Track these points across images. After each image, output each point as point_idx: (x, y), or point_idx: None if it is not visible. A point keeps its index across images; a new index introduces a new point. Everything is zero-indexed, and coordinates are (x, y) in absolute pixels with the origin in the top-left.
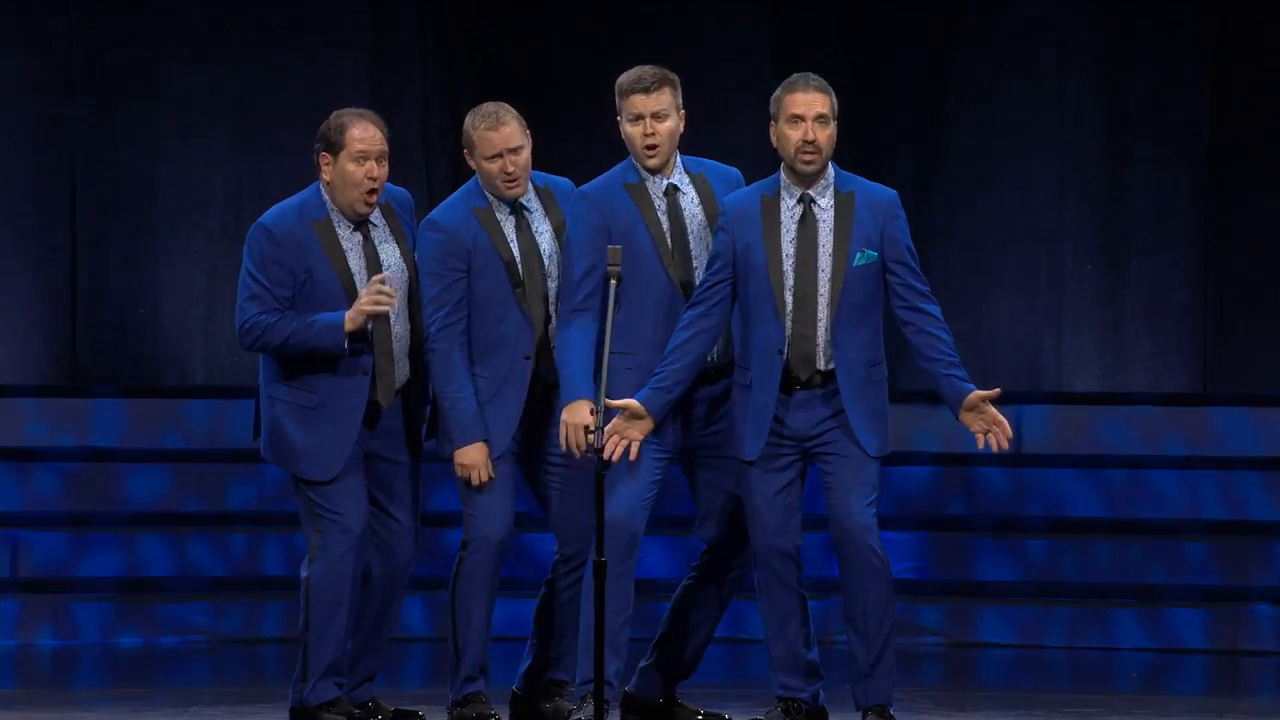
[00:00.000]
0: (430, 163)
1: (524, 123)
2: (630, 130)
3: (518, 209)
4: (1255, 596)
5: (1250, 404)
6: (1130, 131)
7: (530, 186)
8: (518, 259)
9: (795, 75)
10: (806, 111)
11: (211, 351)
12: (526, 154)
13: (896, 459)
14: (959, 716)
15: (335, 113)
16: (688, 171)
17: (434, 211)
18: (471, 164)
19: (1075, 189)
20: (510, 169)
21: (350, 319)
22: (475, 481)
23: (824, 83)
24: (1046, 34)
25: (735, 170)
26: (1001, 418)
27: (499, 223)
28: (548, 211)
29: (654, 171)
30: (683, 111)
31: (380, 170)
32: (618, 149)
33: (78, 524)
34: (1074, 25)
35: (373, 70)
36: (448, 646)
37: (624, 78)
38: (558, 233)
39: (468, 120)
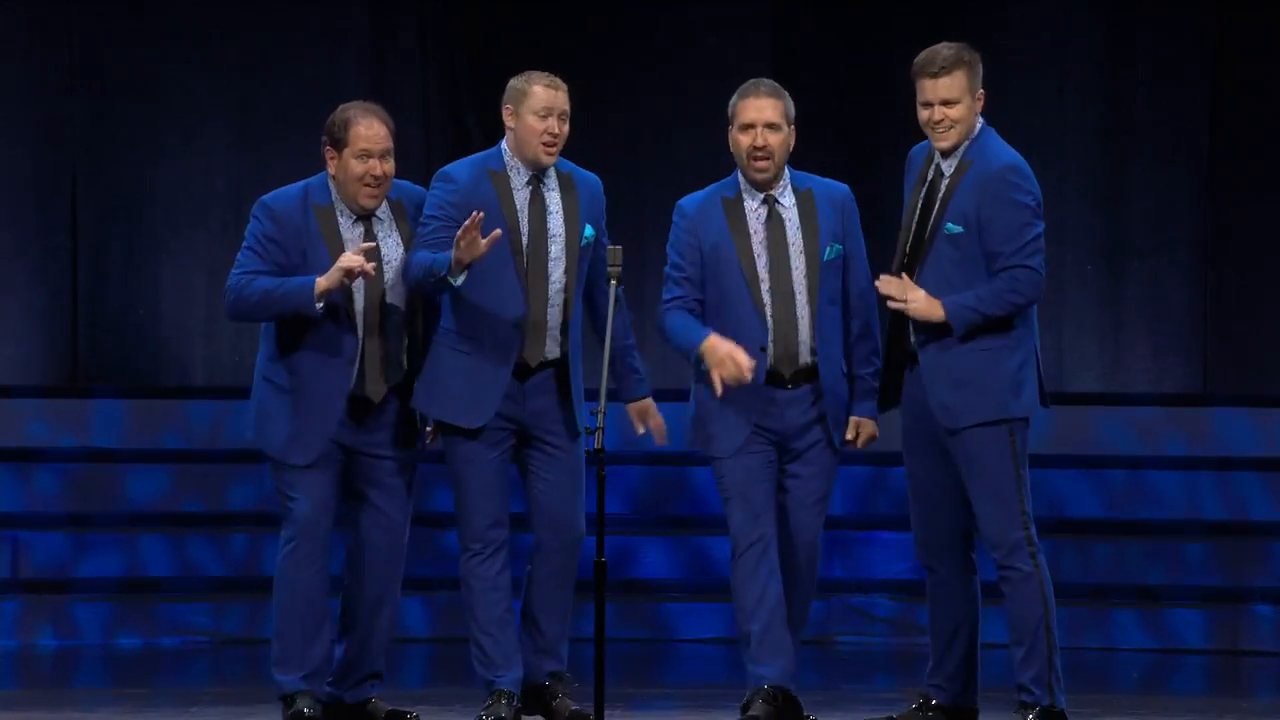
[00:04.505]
0: (430, 163)
1: None
2: (920, 115)
3: (534, 182)
4: (1255, 596)
5: (1250, 404)
6: (1130, 131)
7: (554, 167)
8: (522, 227)
9: (750, 81)
10: (757, 118)
11: (212, 352)
12: (566, 129)
13: (897, 459)
14: None
15: (342, 106)
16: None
17: (447, 166)
18: (510, 122)
19: (1075, 189)
20: (556, 131)
21: (327, 276)
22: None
23: (777, 88)
24: (1046, 34)
25: (1012, 156)
26: (857, 437)
27: (512, 189)
28: (564, 194)
29: (943, 155)
30: (981, 92)
31: (384, 167)
32: (617, 149)
33: (78, 524)
34: (1074, 25)
35: (373, 70)
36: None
37: (918, 57)
38: (569, 217)
39: (520, 78)
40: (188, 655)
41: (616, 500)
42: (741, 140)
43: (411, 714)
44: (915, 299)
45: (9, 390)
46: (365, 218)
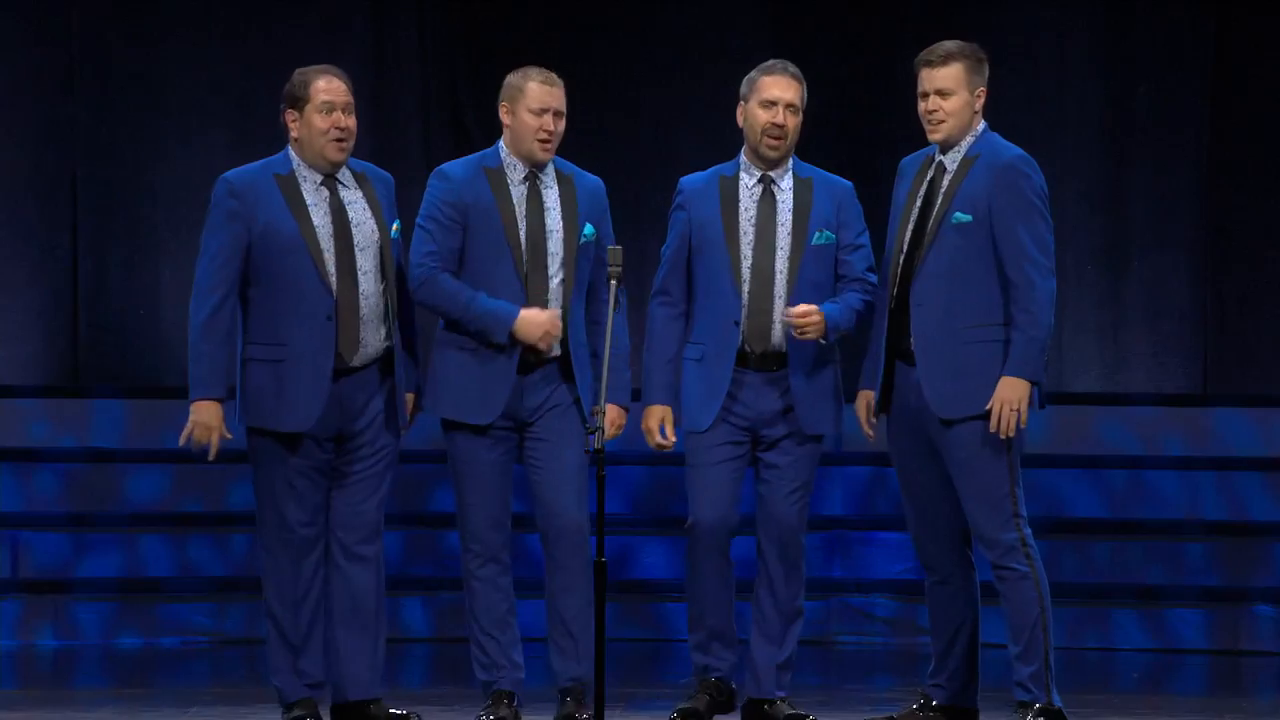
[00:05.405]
0: (430, 163)
1: None
2: (919, 106)
3: (532, 179)
4: (1255, 596)
5: (1250, 404)
6: (1130, 131)
7: (553, 165)
8: (520, 222)
9: (772, 60)
10: (781, 96)
11: None
12: (563, 127)
13: None
14: None
15: (298, 70)
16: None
17: (443, 165)
18: (507, 120)
19: (1075, 190)
20: (551, 128)
21: (203, 408)
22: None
23: (799, 72)
24: (1046, 34)
25: (1020, 150)
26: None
27: (508, 185)
28: (562, 192)
29: (943, 151)
30: (981, 90)
31: (348, 120)
32: (617, 150)
33: (78, 524)
34: (1074, 25)
35: (373, 70)
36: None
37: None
38: (567, 215)
39: (517, 74)
40: (188, 655)
41: (616, 500)
42: (760, 115)
43: (412, 715)
44: (1008, 402)
45: (9, 390)
46: (329, 179)
